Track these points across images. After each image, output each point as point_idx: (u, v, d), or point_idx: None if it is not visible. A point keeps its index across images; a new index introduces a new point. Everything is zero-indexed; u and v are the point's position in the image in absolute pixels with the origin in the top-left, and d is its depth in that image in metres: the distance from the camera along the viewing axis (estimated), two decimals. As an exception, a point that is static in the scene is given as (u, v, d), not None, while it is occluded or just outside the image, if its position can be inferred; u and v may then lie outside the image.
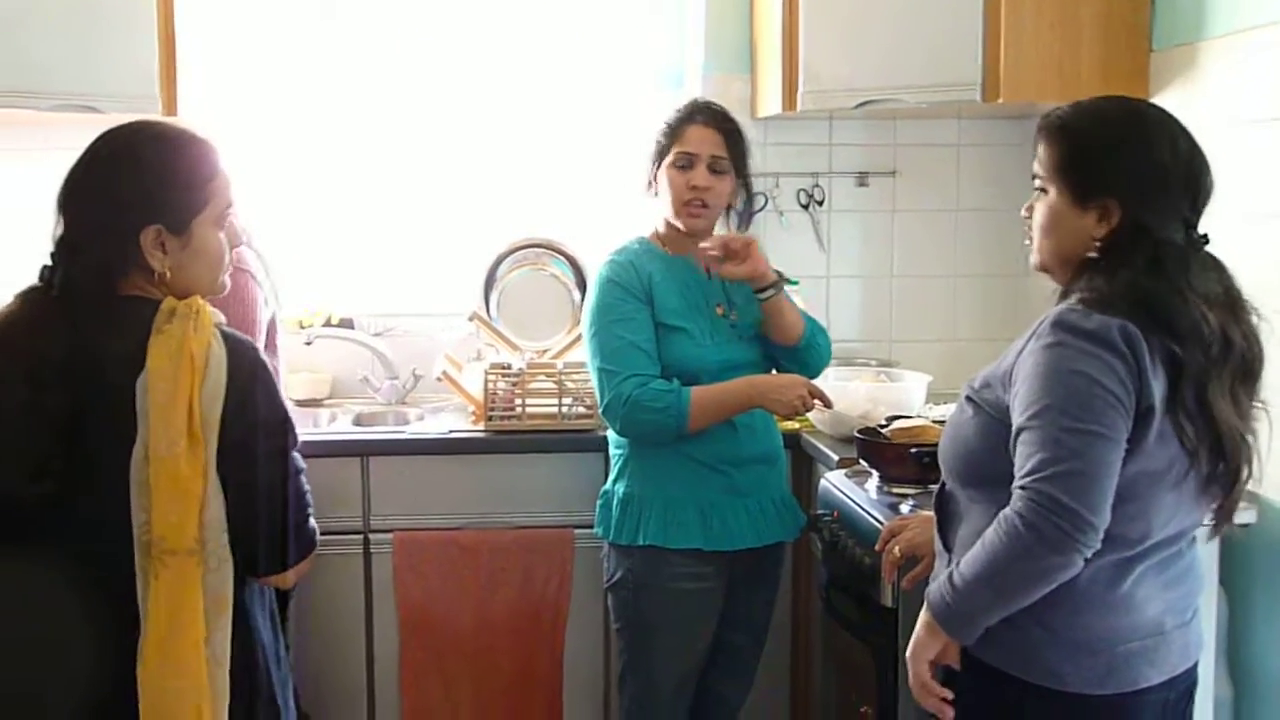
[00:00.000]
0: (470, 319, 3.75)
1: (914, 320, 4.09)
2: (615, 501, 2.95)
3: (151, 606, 1.87)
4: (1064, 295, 1.93)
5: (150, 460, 1.86)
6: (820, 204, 4.01)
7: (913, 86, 3.40)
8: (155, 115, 3.34)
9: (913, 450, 2.76)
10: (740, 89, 3.89)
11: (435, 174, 4.12)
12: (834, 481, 3.01)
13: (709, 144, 2.87)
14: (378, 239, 4.13)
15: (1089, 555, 1.79)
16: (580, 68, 4.10)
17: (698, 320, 2.91)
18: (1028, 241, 2.03)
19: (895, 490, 2.80)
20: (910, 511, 2.61)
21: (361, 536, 3.41)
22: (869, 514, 2.72)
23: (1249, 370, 1.90)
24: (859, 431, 2.98)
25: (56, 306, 1.91)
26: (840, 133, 3.99)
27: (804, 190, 3.99)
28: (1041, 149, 1.98)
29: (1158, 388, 1.80)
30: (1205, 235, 1.92)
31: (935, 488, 2.63)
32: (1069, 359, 1.80)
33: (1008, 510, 1.82)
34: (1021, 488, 1.80)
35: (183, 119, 3.47)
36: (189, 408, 1.86)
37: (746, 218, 3.01)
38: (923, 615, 1.98)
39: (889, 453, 2.85)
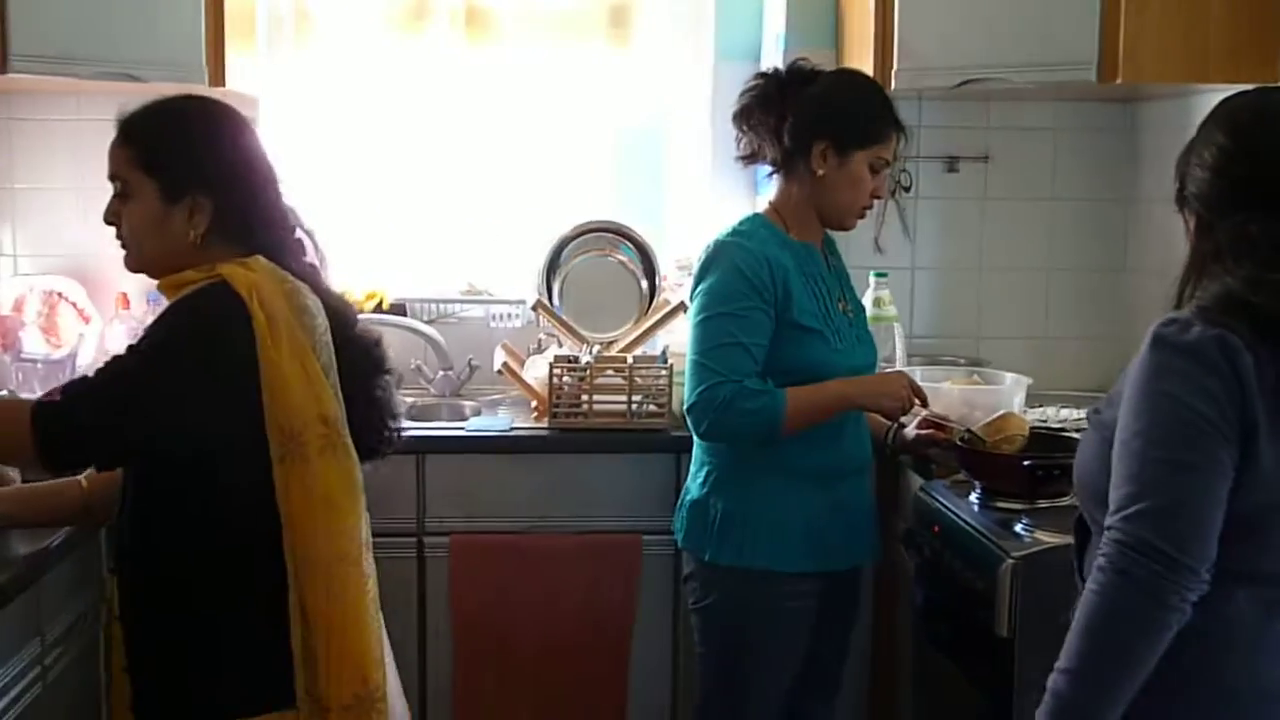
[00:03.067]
0: (533, 308, 3.52)
1: (1003, 316, 3.84)
2: (716, 518, 2.65)
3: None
4: (1177, 304, 1.76)
5: None
6: (906, 190, 3.76)
7: (1021, 65, 3.12)
8: (201, 86, 3.15)
9: (1025, 463, 2.53)
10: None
11: (493, 151, 3.89)
12: (933, 493, 2.77)
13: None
14: (430, 220, 3.91)
15: (1193, 599, 1.61)
16: (651, 37, 3.86)
17: (828, 321, 2.65)
18: None
19: (1001, 505, 2.55)
20: (1023, 531, 2.40)
21: (415, 539, 3.22)
22: (978, 531, 2.48)
23: None
24: (960, 439, 2.73)
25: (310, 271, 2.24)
26: (930, 114, 3.73)
27: (889, 175, 3.72)
28: None
29: (1262, 404, 1.62)
30: None
31: (1045, 504, 2.49)
32: (1160, 378, 1.65)
33: (1098, 561, 1.66)
34: (1108, 529, 1.65)
35: (230, 91, 3.26)
36: None
37: None
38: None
39: (997, 464, 2.61)
